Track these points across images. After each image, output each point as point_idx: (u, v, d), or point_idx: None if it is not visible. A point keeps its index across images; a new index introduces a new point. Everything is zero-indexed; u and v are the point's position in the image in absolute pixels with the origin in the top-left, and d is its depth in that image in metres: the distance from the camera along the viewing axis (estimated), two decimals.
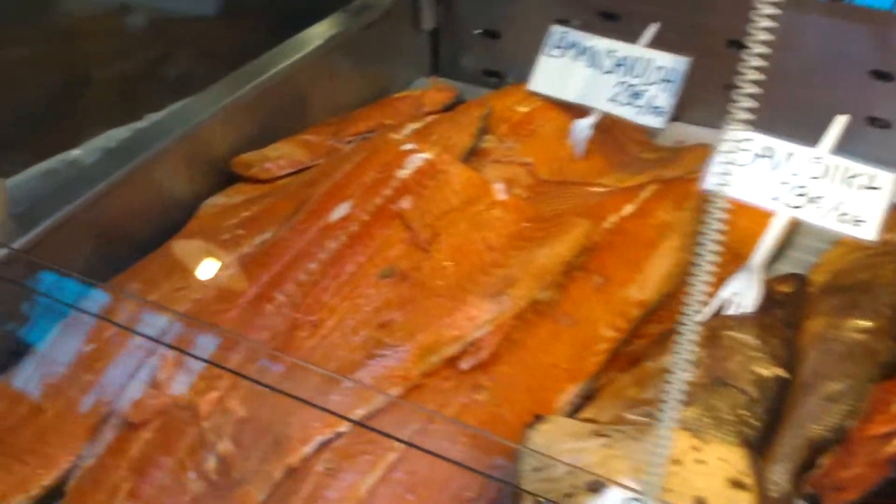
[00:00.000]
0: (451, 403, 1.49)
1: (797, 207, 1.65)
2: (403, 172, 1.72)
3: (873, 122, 2.10)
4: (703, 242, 0.99)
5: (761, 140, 1.67)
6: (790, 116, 1.75)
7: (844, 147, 1.72)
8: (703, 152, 2.02)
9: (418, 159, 1.74)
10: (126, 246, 1.85)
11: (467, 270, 1.63)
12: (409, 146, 1.77)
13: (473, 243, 1.67)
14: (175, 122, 2.04)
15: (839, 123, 1.76)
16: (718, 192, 0.95)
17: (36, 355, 1.66)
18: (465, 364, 1.52)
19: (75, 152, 2.16)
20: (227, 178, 2.03)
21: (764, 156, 1.67)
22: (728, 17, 2.05)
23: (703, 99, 2.00)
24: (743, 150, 1.66)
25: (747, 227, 1.81)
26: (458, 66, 2.49)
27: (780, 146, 1.68)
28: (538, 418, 1.40)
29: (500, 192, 1.74)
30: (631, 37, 2.07)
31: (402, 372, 1.50)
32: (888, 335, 1.59)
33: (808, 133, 1.71)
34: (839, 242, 1.83)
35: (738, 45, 2.07)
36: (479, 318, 1.54)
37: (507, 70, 2.43)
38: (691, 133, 2.17)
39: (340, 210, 1.69)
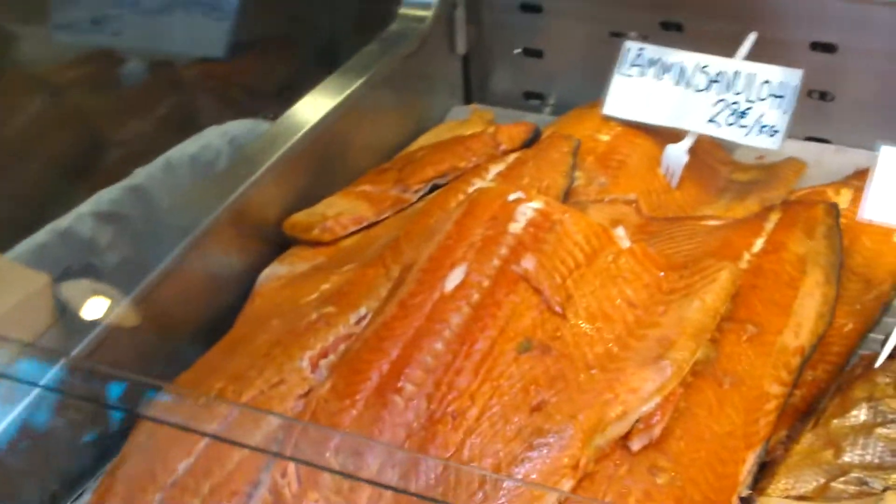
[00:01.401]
0: (632, 491, 1.31)
1: None
2: (515, 226, 1.50)
3: None
4: None
5: None
6: None
7: None
8: (799, 168, 1.89)
9: (528, 209, 1.53)
10: (184, 337, 1.63)
11: (614, 334, 1.44)
12: (515, 195, 1.54)
13: (612, 301, 1.48)
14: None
15: None
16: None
17: (120, 475, 1.42)
18: (635, 444, 1.35)
19: (65, 223, 1.97)
20: (278, 243, 1.80)
21: None
22: (809, 19, 1.90)
23: None
24: None
25: (874, 250, 1.73)
26: (492, 90, 2.34)
27: None
28: (745, 501, 1.32)
29: (622, 238, 1.54)
30: (699, 50, 1.89)
31: (570, 461, 1.30)
32: None
33: None
34: None
35: (824, 48, 1.95)
36: (643, 389, 1.36)
37: (550, 91, 2.25)
38: None
39: (455, 276, 1.46)
